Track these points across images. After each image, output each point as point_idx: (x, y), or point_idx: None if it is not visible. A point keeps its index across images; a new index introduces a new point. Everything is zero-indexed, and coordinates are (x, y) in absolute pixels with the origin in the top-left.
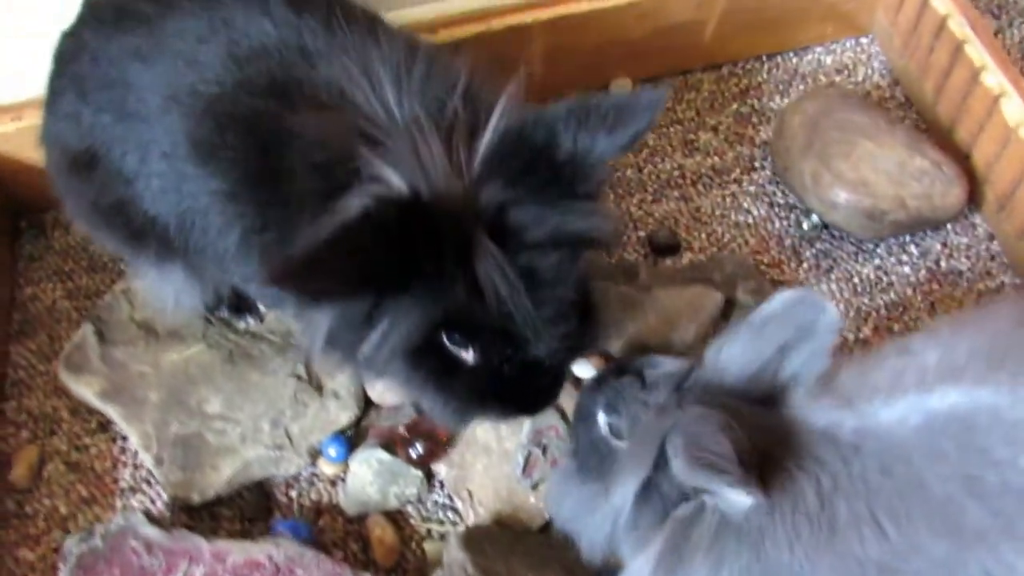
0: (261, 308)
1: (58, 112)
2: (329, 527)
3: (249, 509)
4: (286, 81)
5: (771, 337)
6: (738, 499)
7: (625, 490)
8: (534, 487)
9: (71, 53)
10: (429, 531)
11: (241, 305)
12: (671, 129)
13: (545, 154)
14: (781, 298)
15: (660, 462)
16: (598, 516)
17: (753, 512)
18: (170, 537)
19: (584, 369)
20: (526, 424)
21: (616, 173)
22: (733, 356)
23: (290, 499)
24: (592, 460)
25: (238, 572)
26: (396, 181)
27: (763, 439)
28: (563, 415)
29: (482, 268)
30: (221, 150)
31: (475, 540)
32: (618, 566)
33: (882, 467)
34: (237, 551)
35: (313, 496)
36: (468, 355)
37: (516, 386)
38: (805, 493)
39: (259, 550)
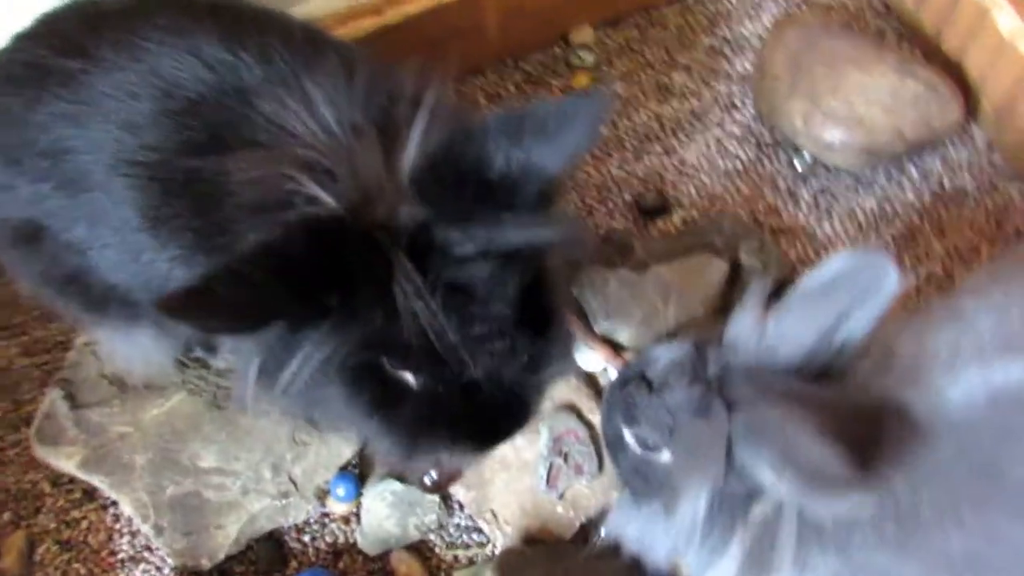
0: None
1: None
2: (350, 568)
3: (263, 562)
4: (224, 128)
5: (831, 304)
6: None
7: (694, 507)
8: (560, 497)
9: None
10: (456, 557)
11: (214, 343)
12: (642, 75)
13: (475, 173)
14: (840, 261)
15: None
16: (660, 534)
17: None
18: None
19: (590, 361)
20: (543, 433)
21: None
22: (787, 330)
23: (304, 545)
24: (638, 482)
25: None
26: (328, 200)
27: (843, 428)
28: (580, 416)
29: (399, 291)
30: (171, 217)
31: (509, 565)
32: None
33: (958, 450)
34: None
35: (328, 538)
36: (411, 379)
37: (465, 412)
38: (894, 485)
39: None
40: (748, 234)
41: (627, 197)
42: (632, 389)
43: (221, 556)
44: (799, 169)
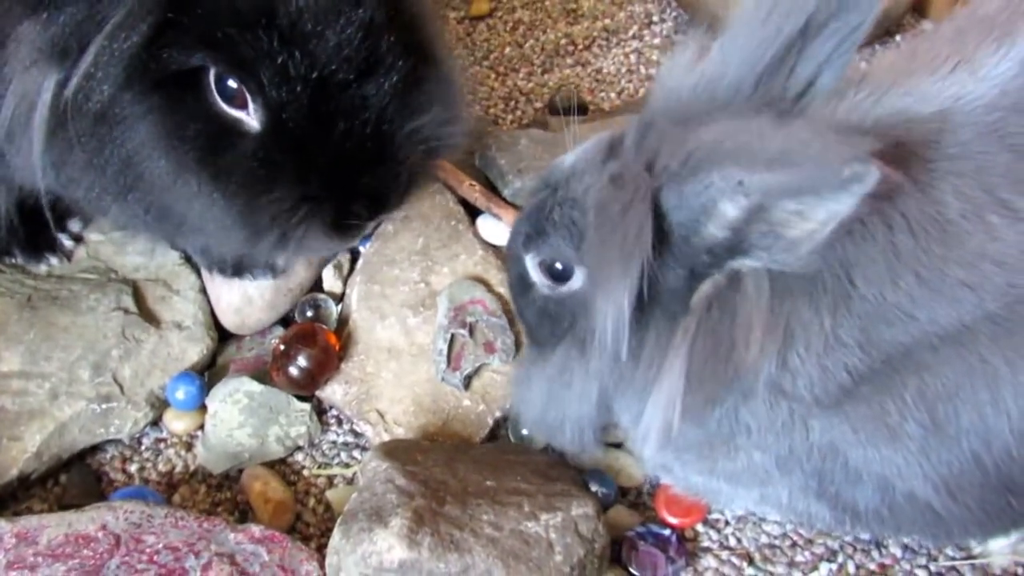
0: (67, 243)
1: None
2: (189, 500)
3: (70, 494)
4: None
5: (789, 13)
6: (837, 209)
7: (616, 310)
8: (467, 384)
9: None
10: (331, 480)
11: (39, 241)
12: (547, 2)
13: None
14: None
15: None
16: (576, 386)
17: (826, 249)
18: None
19: (497, 231)
20: (442, 303)
21: (492, 53)
22: (733, 52)
23: (129, 475)
24: (545, 327)
25: (58, 552)
26: None
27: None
28: (489, 289)
29: None
30: None
31: (400, 450)
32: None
33: (990, 138)
34: (55, 526)
35: (162, 467)
36: (249, 113)
37: (318, 152)
38: (898, 196)
39: (88, 520)
40: None
41: (538, 105)
42: (538, 203)
43: (13, 473)
44: None
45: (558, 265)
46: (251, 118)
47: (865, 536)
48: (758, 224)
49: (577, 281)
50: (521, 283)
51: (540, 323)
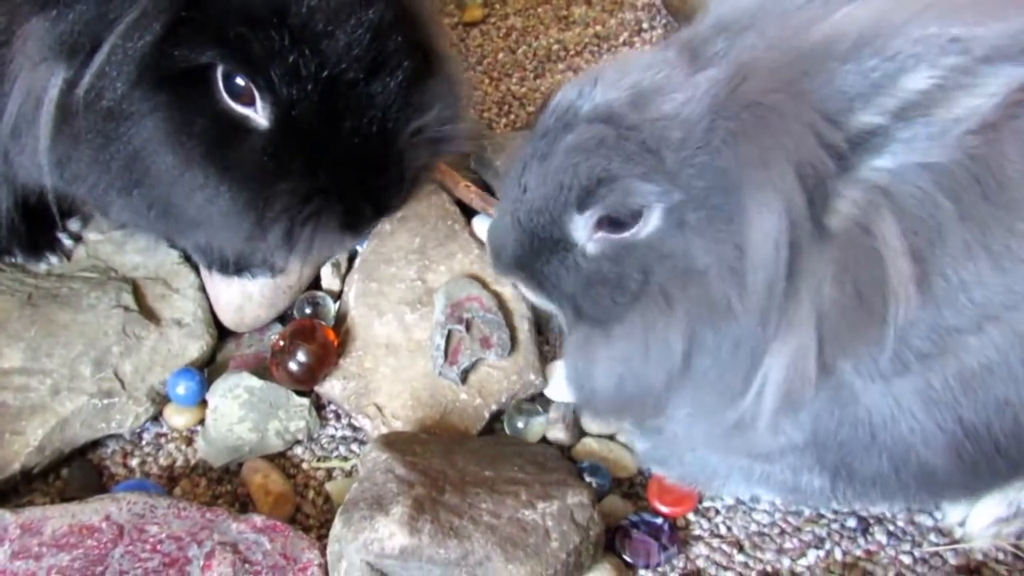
0: (67, 243)
1: None
2: (190, 493)
3: (72, 488)
4: None
5: None
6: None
7: (775, 221)
8: (464, 378)
9: None
10: (330, 472)
11: (40, 240)
12: (540, 9)
13: None
14: None
15: None
16: (656, 349)
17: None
18: None
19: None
20: (439, 299)
21: (486, 59)
22: None
23: (129, 469)
24: (603, 298)
25: (63, 543)
26: None
27: None
28: (485, 286)
29: None
30: None
31: (399, 441)
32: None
33: None
34: (59, 517)
35: (163, 461)
36: (257, 110)
37: (326, 147)
38: None
39: (92, 511)
40: None
41: (530, 109)
42: (579, 144)
43: (15, 467)
44: None
45: (629, 203)
46: (258, 115)
47: (851, 524)
48: (910, 109)
49: (649, 224)
50: (552, 254)
51: (594, 295)
